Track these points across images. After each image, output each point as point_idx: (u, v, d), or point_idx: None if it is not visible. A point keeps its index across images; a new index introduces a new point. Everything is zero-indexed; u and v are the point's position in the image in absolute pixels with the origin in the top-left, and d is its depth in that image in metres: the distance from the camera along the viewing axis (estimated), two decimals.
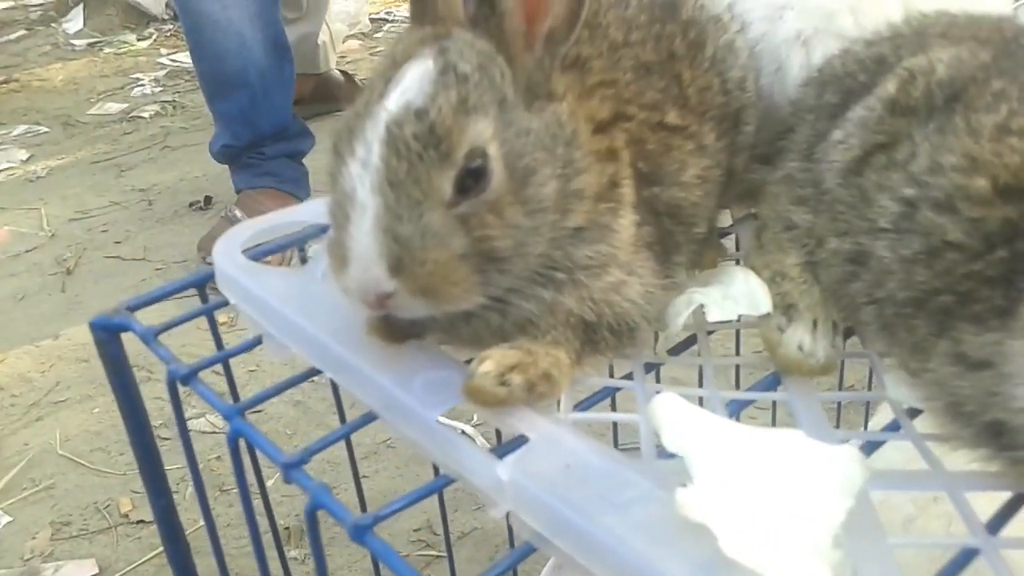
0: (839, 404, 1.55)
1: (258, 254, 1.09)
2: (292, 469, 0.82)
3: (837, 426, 1.46)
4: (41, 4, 6.57)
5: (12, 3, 6.67)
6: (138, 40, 5.70)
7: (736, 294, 0.93)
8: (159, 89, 4.98)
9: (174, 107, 4.75)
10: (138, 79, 5.11)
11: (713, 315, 0.91)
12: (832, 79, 1.05)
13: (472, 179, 0.81)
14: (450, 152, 0.80)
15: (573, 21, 0.89)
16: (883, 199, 0.87)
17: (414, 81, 0.82)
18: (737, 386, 1.61)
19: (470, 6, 0.89)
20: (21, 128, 4.59)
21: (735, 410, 0.88)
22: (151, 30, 5.81)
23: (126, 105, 4.78)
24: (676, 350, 1.02)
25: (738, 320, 0.96)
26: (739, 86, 1.09)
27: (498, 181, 0.82)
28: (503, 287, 0.85)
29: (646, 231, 0.96)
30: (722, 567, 0.62)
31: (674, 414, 0.74)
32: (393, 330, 0.90)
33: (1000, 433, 0.74)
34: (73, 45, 5.82)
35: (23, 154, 4.32)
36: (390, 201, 0.79)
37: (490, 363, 0.81)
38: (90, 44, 5.76)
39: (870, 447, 0.83)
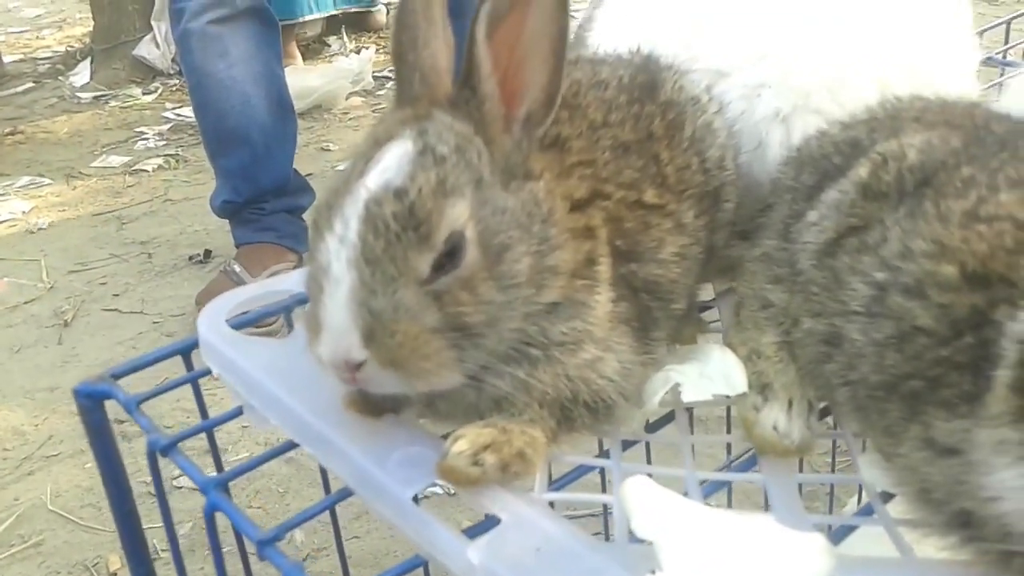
0: None
1: (244, 322, 1.11)
2: (267, 546, 0.82)
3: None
4: (50, 57, 6.68)
5: (22, 56, 6.78)
6: (143, 94, 5.77)
7: (712, 372, 0.94)
8: (163, 143, 5.04)
9: (177, 161, 4.79)
10: (142, 132, 5.17)
11: (688, 395, 0.92)
12: (809, 160, 1.07)
13: (447, 258, 0.83)
14: (429, 235, 0.82)
15: (550, 105, 0.92)
16: (855, 282, 0.88)
17: (393, 161, 0.85)
18: (728, 453, 1.62)
19: (452, 90, 0.92)
20: (25, 179, 4.64)
21: (711, 491, 0.88)
22: (156, 84, 5.88)
23: (129, 158, 4.83)
24: (656, 426, 1.02)
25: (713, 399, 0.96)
26: (718, 165, 1.11)
27: (472, 258, 0.84)
28: (478, 364, 0.86)
29: (623, 307, 0.98)
30: None
31: (644, 498, 0.75)
32: (370, 404, 0.91)
33: (968, 523, 0.74)
34: (79, 98, 5.89)
35: (25, 205, 4.36)
36: (365, 276, 0.81)
37: (463, 442, 0.82)
38: (96, 97, 5.83)
39: (843, 531, 0.83)
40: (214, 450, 1.16)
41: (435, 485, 0.84)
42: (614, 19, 1.41)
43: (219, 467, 1.15)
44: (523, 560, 0.73)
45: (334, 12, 5.96)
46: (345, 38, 6.36)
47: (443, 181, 0.84)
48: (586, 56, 1.16)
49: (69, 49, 6.74)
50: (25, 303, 3.53)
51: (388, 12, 6.45)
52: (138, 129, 5.23)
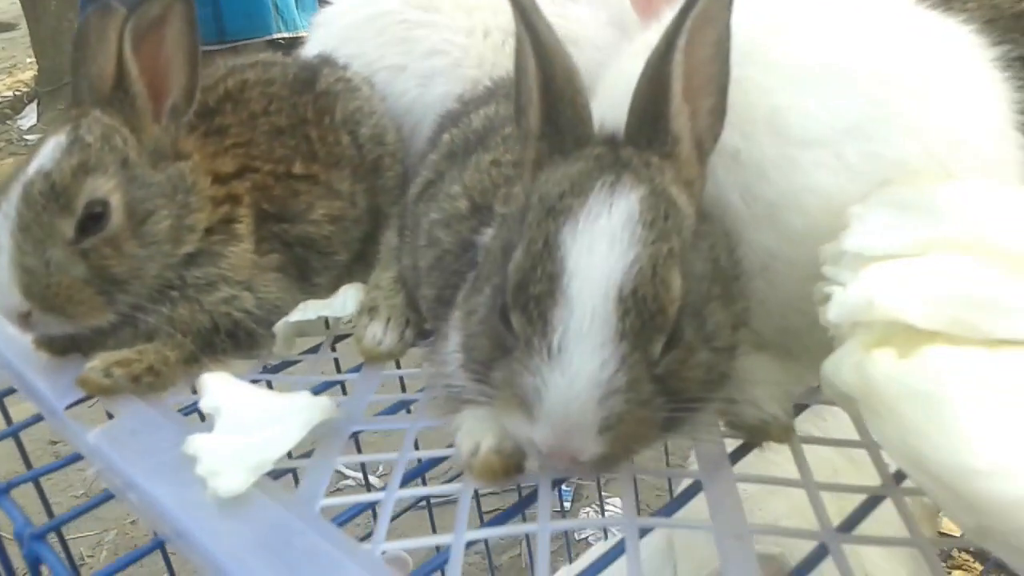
0: None
1: None
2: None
3: None
4: None
5: None
6: None
7: (333, 302, 1.18)
8: None
9: None
10: None
11: (294, 316, 1.16)
12: (433, 130, 1.32)
13: (92, 222, 1.07)
14: (69, 204, 1.06)
15: (190, 99, 1.17)
16: (423, 222, 1.12)
17: (48, 151, 1.09)
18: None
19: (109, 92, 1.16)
20: None
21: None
22: None
23: None
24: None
25: (318, 319, 1.19)
26: (375, 141, 1.35)
27: (116, 222, 1.09)
28: (128, 305, 1.10)
29: (274, 258, 1.22)
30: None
31: (214, 384, 0.98)
32: (55, 345, 1.15)
33: None
34: (26, 140, 6.17)
35: None
36: (20, 241, 1.05)
37: (97, 360, 1.06)
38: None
39: None
40: (42, 496, 1.29)
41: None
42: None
43: (49, 513, 1.27)
44: (122, 439, 0.97)
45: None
46: None
47: (85, 162, 1.08)
48: (266, 59, 1.40)
49: (16, 93, 7.01)
50: None
51: None
52: None
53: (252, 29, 3.82)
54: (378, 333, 1.15)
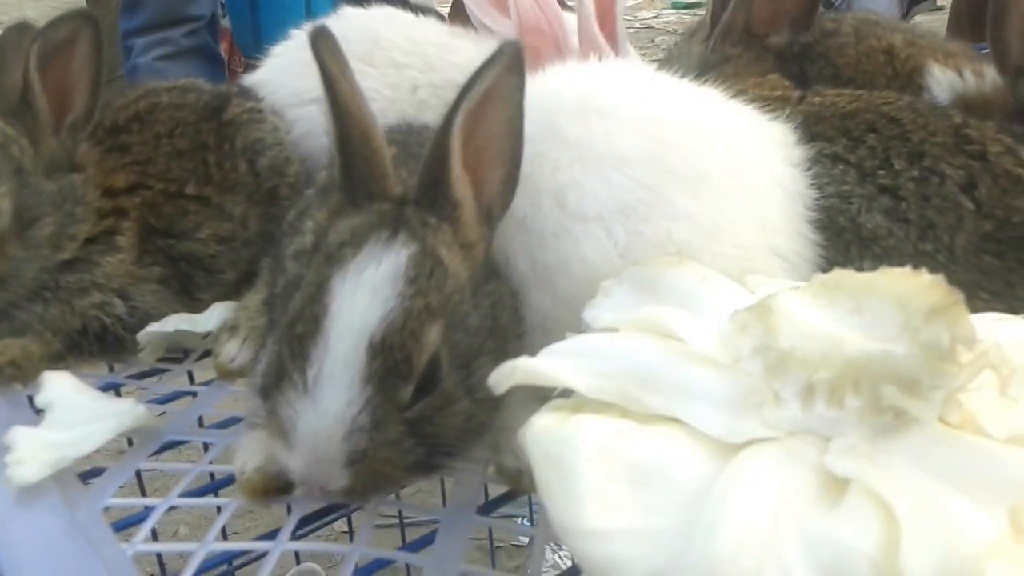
0: None
1: None
2: None
3: None
4: None
5: None
6: None
7: (198, 317, 1.27)
8: None
9: None
10: None
11: (155, 327, 1.24)
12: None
13: None
14: None
15: (89, 116, 1.27)
16: (285, 252, 1.20)
17: None
18: None
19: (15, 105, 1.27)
20: None
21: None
22: None
23: None
24: None
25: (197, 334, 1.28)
26: (273, 171, 1.44)
27: (3, 225, 1.18)
28: (4, 301, 1.20)
29: (156, 271, 1.31)
30: None
31: (55, 382, 1.07)
32: None
33: None
34: None
35: None
36: None
37: None
38: None
39: None
40: None
41: None
42: None
43: None
44: None
45: None
46: None
47: None
48: (185, 84, 1.50)
49: None
50: None
51: None
52: None
53: None
54: (233, 351, 1.23)
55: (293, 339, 0.84)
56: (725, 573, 0.56)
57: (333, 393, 0.80)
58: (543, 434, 0.67)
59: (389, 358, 0.80)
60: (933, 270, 0.95)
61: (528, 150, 0.95)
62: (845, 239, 0.99)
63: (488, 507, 0.93)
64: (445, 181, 0.90)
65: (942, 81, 1.29)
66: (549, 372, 0.71)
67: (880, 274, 0.69)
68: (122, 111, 1.39)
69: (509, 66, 0.89)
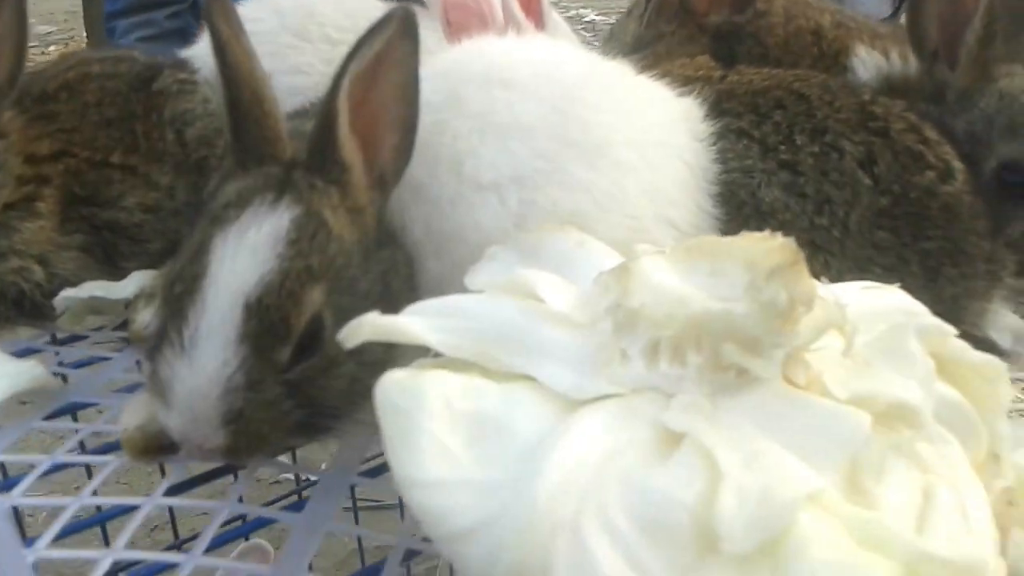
0: None
1: None
2: None
3: None
4: None
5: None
6: None
7: (115, 284, 1.27)
8: None
9: None
10: None
11: (69, 292, 1.24)
12: None
13: None
14: None
15: (12, 83, 1.27)
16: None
17: None
18: None
19: None
20: None
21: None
22: None
23: None
24: None
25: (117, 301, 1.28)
26: (202, 142, 1.43)
27: None
28: None
29: (79, 238, 1.31)
30: None
31: None
32: None
33: None
34: None
35: None
36: None
37: None
38: None
39: None
40: None
41: None
42: None
43: None
44: None
45: None
46: None
47: None
48: (119, 55, 1.49)
49: None
50: None
51: None
52: None
53: None
54: (147, 317, 1.23)
55: (172, 299, 0.84)
56: (542, 520, 0.56)
57: (209, 352, 0.80)
58: (392, 387, 0.67)
59: (265, 318, 0.81)
60: (827, 244, 0.98)
61: (430, 118, 0.95)
62: (744, 213, 0.99)
63: (376, 471, 0.93)
64: (333, 144, 0.90)
65: (868, 62, 1.29)
66: (401, 328, 0.71)
67: (739, 237, 0.69)
68: (52, 80, 1.39)
69: (400, 31, 0.89)
